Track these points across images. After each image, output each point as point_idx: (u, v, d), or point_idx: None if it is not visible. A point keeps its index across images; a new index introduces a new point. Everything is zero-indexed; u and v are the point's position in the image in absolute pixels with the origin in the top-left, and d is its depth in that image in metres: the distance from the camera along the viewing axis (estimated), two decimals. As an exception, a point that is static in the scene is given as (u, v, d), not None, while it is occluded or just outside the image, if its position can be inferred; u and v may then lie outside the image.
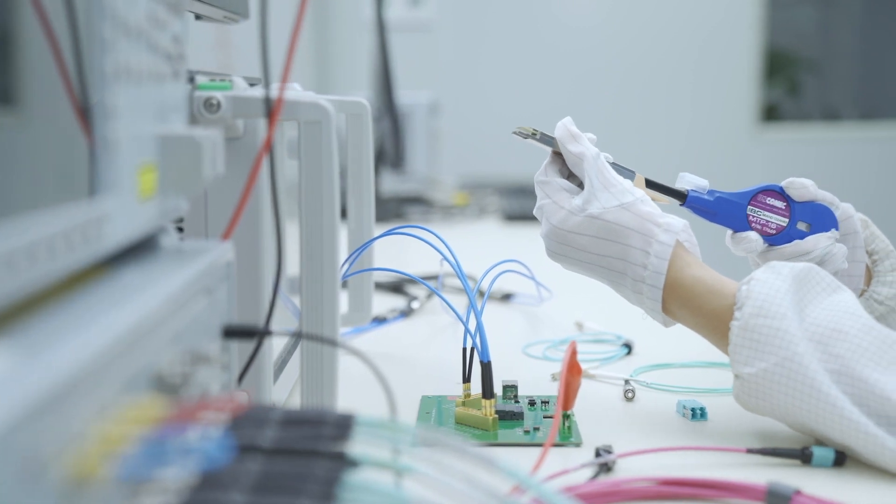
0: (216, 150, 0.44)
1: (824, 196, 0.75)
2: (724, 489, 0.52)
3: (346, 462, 0.38)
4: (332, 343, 0.55)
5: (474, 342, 0.65)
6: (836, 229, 0.74)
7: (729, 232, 0.75)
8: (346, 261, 0.76)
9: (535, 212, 0.71)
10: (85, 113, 0.37)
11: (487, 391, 0.65)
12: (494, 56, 3.59)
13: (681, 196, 0.74)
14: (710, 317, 0.63)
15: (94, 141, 0.35)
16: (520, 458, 0.58)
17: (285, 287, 0.74)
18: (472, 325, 0.65)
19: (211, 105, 0.55)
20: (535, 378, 0.77)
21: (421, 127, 2.31)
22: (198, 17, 0.77)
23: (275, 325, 0.65)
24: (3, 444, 0.23)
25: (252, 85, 0.60)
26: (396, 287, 1.14)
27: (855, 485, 0.55)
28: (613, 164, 0.71)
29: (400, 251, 1.43)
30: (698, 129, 3.63)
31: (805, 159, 3.58)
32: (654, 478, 0.53)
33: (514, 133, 0.72)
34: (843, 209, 0.75)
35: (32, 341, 0.28)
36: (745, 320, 0.59)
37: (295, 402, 0.68)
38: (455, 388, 0.71)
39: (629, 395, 0.71)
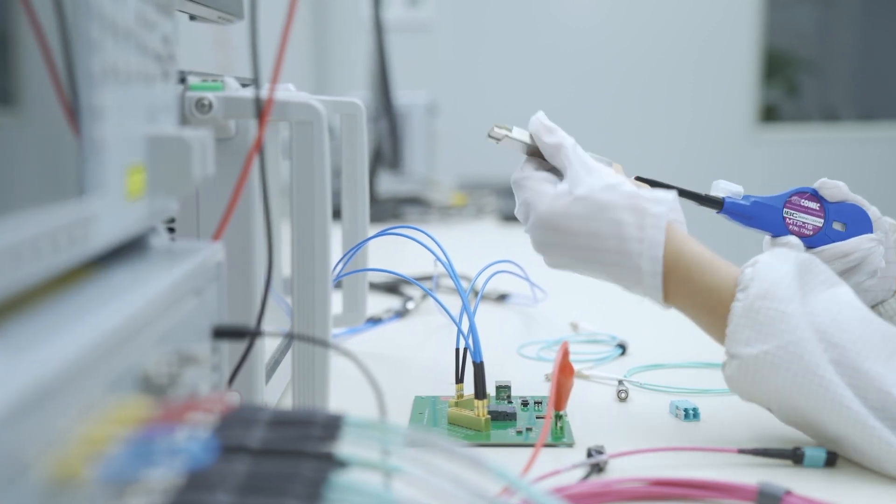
0: (206, 150, 0.44)
1: (855, 198, 0.75)
2: (715, 489, 0.52)
3: (333, 462, 0.38)
4: (323, 344, 0.55)
5: (467, 343, 0.65)
6: (872, 230, 0.73)
7: (766, 237, 0.75)
8: (340, 261, 0.76)
9: (516, 211, 0.70)
10: (74, 113, 0.37)
11: (480, 392, 0.65)
12: (493, 56, 3.59)
13: (717, 203, 0.74)
14: (708, 294, 0.62)
15: (80, 141, 0.35)
16: (512, 459, 0.58)
17: (280, 288, 0.74)
18: (465, 326, 0.65)
19: (202, 105, 0.55)
20: (528, 378, 0.77)
21: (419, 127, 2.31)
22: (192, 17, 0.77)
23: (269, 326, 0.66)
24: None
25: (244, 85, 0.60)
26: (392, 287, 1.14)
27: (846, 485, 0.55)
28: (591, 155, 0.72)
29: (396, 252, 1.43)
30: (697, 129, 3.63)
31: (804, 160, 3.59)
32: (645, 478, 0.53)
33: (490, 137, 0.70)
34: (873, 211, 0.75)
35: (16, 341, 0.28)
36: (750, 301, 0.58)
37: (288, 402, 0.68)
38: (449, 389, 0.71)
39: (622, 396, 0.71)
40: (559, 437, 0.62)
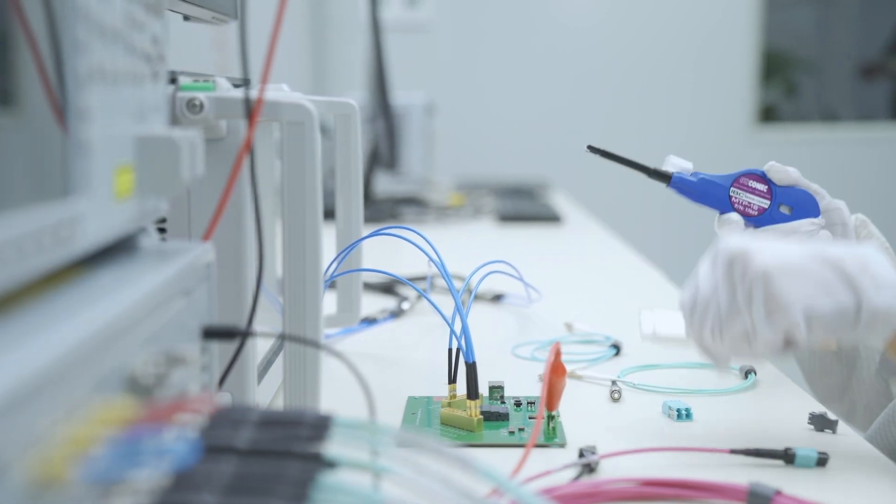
0: (195, 150, 0.44)
1: (809, 185, 0.77)
2: (706, 489, 0.52)
3: (321, 463, 0.38)
4: (314, 345, 0.55)
5: (459, 343, 0.65)
6: (818, 216, 0.75)
7: (716, 216, 0.77)
8: (333, 261, 0.76)
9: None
10: (61, 113, 0.37)
11: (472, 392, 0.65)
12: (491, 57, 3.59)
13: (666, 178, 0.78)
14: None
15: (66, 141, 0.35)
16: (505, 459, 0.57)
17: (275, 288, 0.74)
18: (458, 326, 0.65)
19: (193, 106, 0.55)
20: (522, 379, 0.77)
21: (417, 127, 2.31)
22: (186, 17, 0.77)
23: (263, 326, 0.66)
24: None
25: (237, 86, 0.60)
26: (387, 288, 1.14)
27: (837, 485, 0.55)
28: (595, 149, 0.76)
29: (392, 252, 1.43)
30: (696, 129, 3.63)
31: (802, 160, 3.56)
32: (636, 478, 0.53)
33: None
34: (830, 201, 0.77)
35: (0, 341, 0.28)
36: None
37: (281, 402, 0.68)
38: (442, 389, 0.71)
39: (615, 396, 0.71)
40: (551, 437, 0.62)
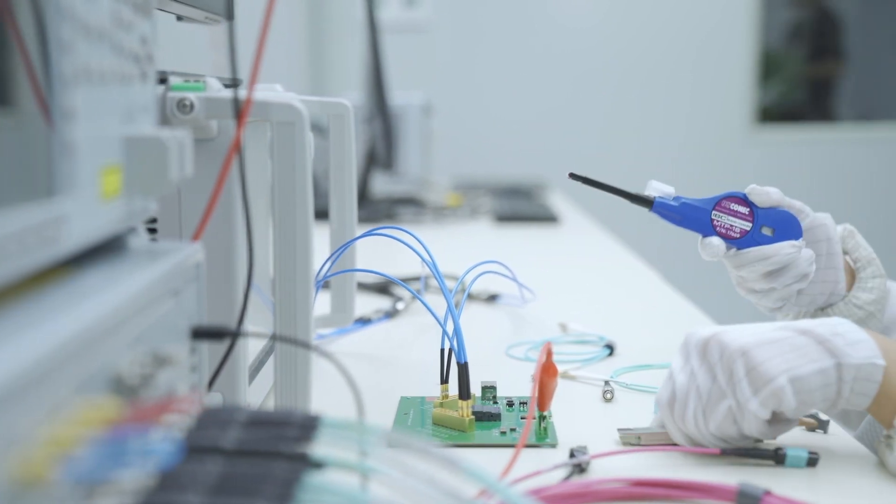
0: (183, 151, 0.44)
1: (792, 204, 0.77)
2: (696, 490, 0.52)
3: (308, 463, 0.38)
4: (304, 345, 0.55)
5: (451, 343, 0.65)
6: (800, 237, 0.76)
7: (699, 239, 0.78)
8: (326, 261, 0.76)
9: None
10: (47, 113, 0.37)
11: (464, 392, 0.65)
12: (489, 57, 3.59)
13: (648, 203, 0.79)
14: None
15: (51, 142, 0.35)
16: (497, 460, 0.57)
17: (269, 289, 0.74)
18: (451, 327, 0.65)
19: (184, 106, 0.55)
20: (515, 379, 0.77)
21: (414, 128, 2.31)
22: (179, 18, 0.77)
23: (256, 327, 0.66)
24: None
25: (227, 86, 0.60)
26: (382, 288, 1.14)
27: (827, 485, 0.55)
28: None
29: (388, 252, 1.43)
30: (694, 130, 3.63)
31: (800, 160, 3.59)
32: (625, 478, 0.53)
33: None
34: (815, 217, 0.78)
35: (-19, 342, 0.28)
36: None
37: (272, 403, 0.68)
38: (436, 389, 0.71)
39: (608, 396, 0.71)
40: (543, 437, 0.62)
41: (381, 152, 2.06)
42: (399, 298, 1.08)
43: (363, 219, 1.77)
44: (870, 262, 0.78)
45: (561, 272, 1.37)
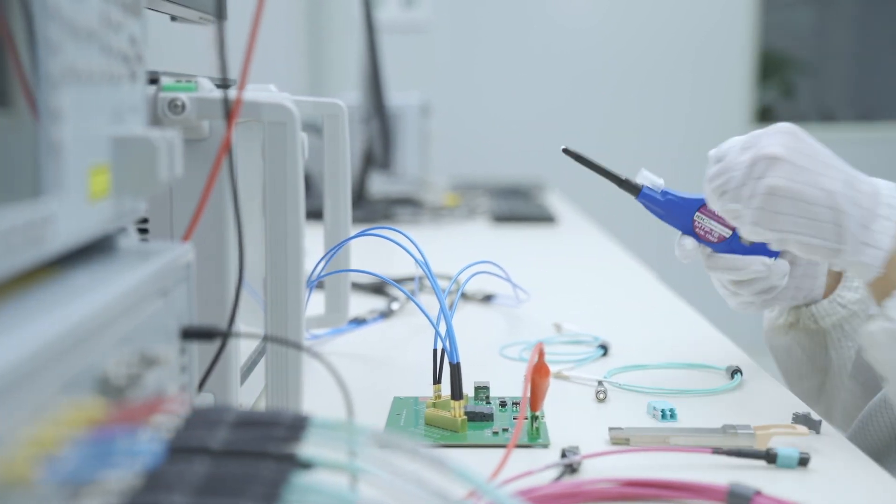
0: (173, 151, 0.44)
1: None
2: (686, 490, 0.52)
3: (295, 463, 0.38)
4: (295, 346, 0.55)
5: (444, 344, 0.65)
6: (775, 256, 0.76)
7: (677, 236, 0.79)
8: (320, 261, 0.76)
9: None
10: (34, 113, 0.37)
11: (456, 392, 0.65)
12: (488, 57, 3.59)
13: (635, 190, 0.79)
14: None
15: (37, 142, 0.35)
16: (489, 460, 0.57)
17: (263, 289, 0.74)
18: (444, 328, 0.65)
19: (175, 106, 0.55)
20: (509, 379, 0.77)
21: (412, 128, 2.31)
22: (173, 18, 0.77)
23: (249, 327, 0.66)
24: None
25: (218, 86, 0.60)
26: (377, 288, 1.14)
27: (818, 485, 0.55)
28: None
29: (384, 253, 1.43)
30: (693, 130, 3.63)
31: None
32: (616, 479, 0.53)
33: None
34: None
35: (-36, 342, 0.28)
36: None
37: (264, 404, 0.68)
38: (430, 390, 0.71)
39: (601, 397, 0.71)
40: (535, 437, 0.62)
41: (378, 152, 2.06)
42: (394, 299, 1.08)
43: (361, 219, 1.77)
44: None
45: (558, 272, 1.37)
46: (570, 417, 0.68)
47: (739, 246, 0.77)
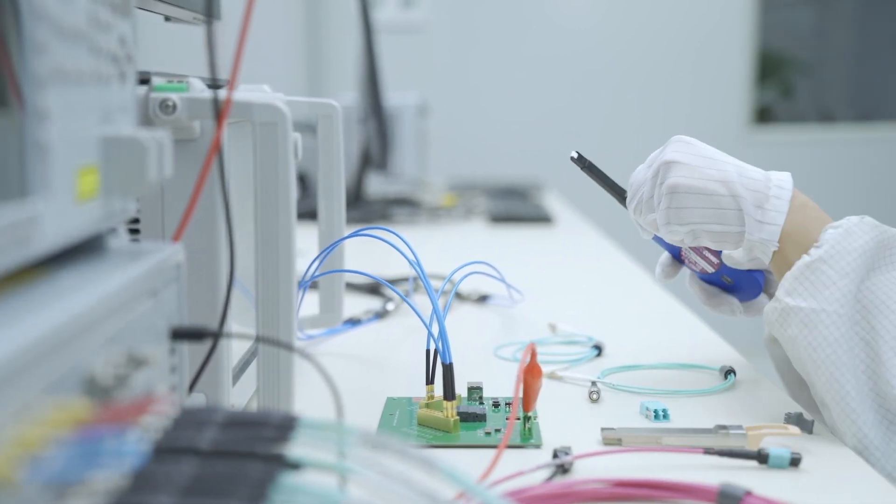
0: (163, 151, 0.44)
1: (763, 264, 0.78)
2: (677, 490, 0.52)
3: (283, 463, 0.38)
4: (286, 347, 0.55)
5: (437, 344, 0.65)
6: (756, 297, 0.79)
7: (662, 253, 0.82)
8: (314, 262, 0.76)
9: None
10: (21, 113, 0.37)
11: (449, 393, 0.65)
12: (486, 58, 3.59)
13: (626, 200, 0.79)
14: (805, 234, 0.67)
15: (23, 142, 0.35)
16: (481, 460, 0.57)
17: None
18: (437, 328, 0.65)
19: (167, 107, 0.55)
20: (503, 380, 0.77)
21: (410, 128, 2.31)
22: (167, 18, 0.77)
23: (241, 328, 0.66)
24: None
25: (210, 87, 0.60)
26: (373, 289, 1.14)
27: (810, 485, 0.55)
28: (582, 162, 0.78)
29: (381, 253, 1.43)
30: (692, 130, 3.59)
31: (799, 161, 3.59)
32: (607, 479, 0.53)
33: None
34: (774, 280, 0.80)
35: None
36: (814, 260, 0.65)
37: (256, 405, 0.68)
38: (423, 390, 0.71)
39: (594, 397, 0.71)
40: (527, 438, 0.62)
41: (376, 152, 2.06)
42: (389, 299, 1.08)
43: (358, 219, 1.77)
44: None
45: (554, 273, 1.37)
46: (563, 418, 0.68)
47: (719, 282, 0.79)
